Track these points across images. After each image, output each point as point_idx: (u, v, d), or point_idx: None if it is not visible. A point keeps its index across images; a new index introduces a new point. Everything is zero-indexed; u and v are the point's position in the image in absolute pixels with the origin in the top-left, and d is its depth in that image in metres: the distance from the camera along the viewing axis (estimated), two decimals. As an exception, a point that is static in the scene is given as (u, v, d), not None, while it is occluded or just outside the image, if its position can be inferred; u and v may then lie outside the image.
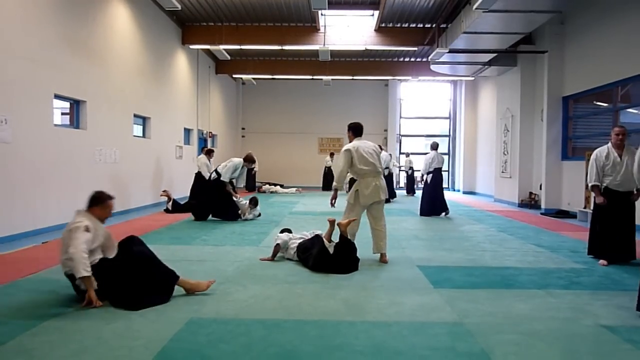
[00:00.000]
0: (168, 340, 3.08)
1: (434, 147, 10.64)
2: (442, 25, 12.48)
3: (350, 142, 5.77)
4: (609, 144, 5.76)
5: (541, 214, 11.30)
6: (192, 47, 14.11)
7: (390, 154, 18.54)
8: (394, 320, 3.52)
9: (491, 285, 4.57)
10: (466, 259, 5.82)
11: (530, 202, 12.79)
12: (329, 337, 3.17)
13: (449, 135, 20.79)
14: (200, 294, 4.07)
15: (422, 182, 10.76)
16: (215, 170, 9.34)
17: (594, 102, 11.14)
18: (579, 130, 11.74)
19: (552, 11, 9.76)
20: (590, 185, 5.78)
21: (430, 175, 10.43)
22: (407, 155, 17.99)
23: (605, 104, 10.73)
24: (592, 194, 5.91)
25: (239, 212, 9.11)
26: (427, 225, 8.86)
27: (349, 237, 5.21)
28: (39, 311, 3.61)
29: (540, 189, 12.15)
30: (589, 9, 10.37)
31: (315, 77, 17.69)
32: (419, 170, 12.08)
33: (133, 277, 3.74)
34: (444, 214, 10.39)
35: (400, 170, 19.05)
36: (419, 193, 17.46)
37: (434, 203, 10.42)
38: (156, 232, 7.50)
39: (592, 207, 6.10)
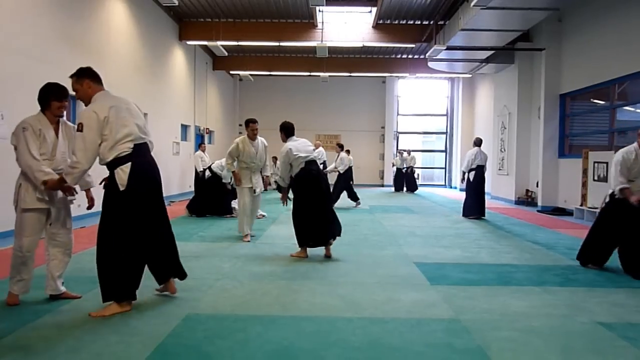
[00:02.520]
0: (165, 336, 3.08)
1: (477, 143, 9.85)
2: (439, 22, 12.48)
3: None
4: (635, 145, 5.08)
5: (538, 211, 11.33)
6: (189, 43, 14.05)
7: (409, 152, 17.93)
8: (390, 317, 3.52)
9: (488, 282, 4.58)
10: (463, 256, 5.84)
11: (526, 200, 12.82)
12: (325, 334, 3.17)
13: (446, 132, 20.81)
14: (197, 291, 4.06)
15: (463, 181, 9.88)
16: (209, 168, 9.36)
17: (591, 99, 11.18)
18: (575, 127, 11.78)
19: (549, 8, 9.77)
20: (618, 188, 4.98)
21: (473, 172, 9.60)
22: (409, 152, 17.74)
23: (602, 102, 10.75)
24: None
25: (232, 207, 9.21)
26: (424, 223, 8.87)
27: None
28: (35, 307, 3.60)
29: (537, 186, 12.18)
30: (586, 6, 10.38)
31: (312, 73, 17.66)
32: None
33: None
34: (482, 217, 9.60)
35: (405, 167, 17.71)
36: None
37: (480, 203, 9.61)
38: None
39: (601, 211, 5.38)
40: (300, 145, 5.66)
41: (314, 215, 5.46)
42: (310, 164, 5.60)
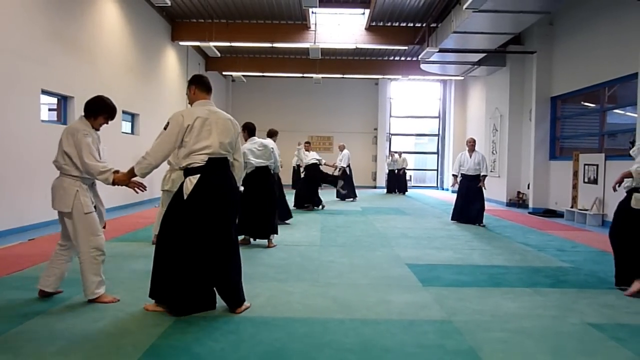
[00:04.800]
0: (156, 338, 3.06)
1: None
2: (432, 25, 12.52)
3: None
4: None
5: (529, 213, 11.40)
6: (181, 43, 13.99)
7: (400, 154, 17.96)
8: (382, 318, 3.53)
9: (479, 284, 4.60)
10: (454, 257, 5.86)
11: (518, 201, 12.90)
12: (317, 335, 3.17)
13: (438, 135, 20.87)
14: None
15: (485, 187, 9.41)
16: None
17: (582, 102, 11.27)
18: (566, 130, 11.87)
19: (541, 12, 9.83)
20: None
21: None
22: (400, 154, 17.73)
23: (592, 105, 10.85)
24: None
25: None
26: (416, 224, 8.90)
27: None
28: (25, 309, 3.56)
29: (528, 188, 12.26)
30: (577, 10, 10.47)
31: (305, 75, 17.64)
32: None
33: None
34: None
35: (398, 170, 17.62)
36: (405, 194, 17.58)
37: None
38: (145, 230, 7.44)
39: (617, 222, 4.46)
40: (256, 152, 6.26)
41: (251, 210, 6.17)
42: (260, 169, 6.28)
